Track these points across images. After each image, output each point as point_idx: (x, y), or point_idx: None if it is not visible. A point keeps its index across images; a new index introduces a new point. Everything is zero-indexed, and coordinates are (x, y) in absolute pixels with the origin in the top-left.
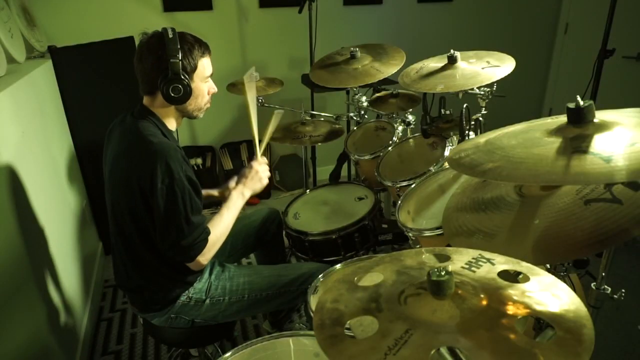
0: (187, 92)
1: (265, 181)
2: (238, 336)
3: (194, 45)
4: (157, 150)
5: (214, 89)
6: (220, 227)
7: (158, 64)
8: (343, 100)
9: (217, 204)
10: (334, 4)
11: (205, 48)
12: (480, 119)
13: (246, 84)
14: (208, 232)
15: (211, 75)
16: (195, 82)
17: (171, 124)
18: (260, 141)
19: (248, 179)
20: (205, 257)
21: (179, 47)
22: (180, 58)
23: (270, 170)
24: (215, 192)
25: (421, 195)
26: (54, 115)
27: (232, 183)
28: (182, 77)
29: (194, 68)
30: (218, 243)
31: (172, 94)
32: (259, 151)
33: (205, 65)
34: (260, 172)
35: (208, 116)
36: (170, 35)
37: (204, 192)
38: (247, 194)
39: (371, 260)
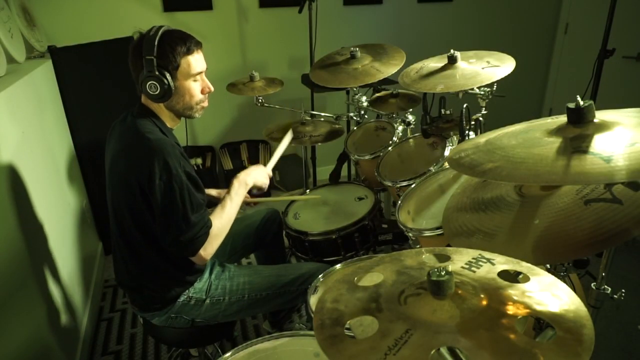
0: (165, 90)
1: (267, 182)
2: (238, 336)
3: (177, 42)
4: (154, 147)
5: (209, 87)
6: (223, 217)
7: (139, 62)
8: (343, 100)
9: (215, 204)
10: (334, 4)
11: (191, 44)
12: (480, 119)
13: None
14: (209, 226)
15: (200, 73)
16: (179, 80)
17: (168, 122)
18: (273, 157)
19: (251, 169)
20: (207, 250)
21: (155, 44)
22: (155, 55)
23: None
24: (213, 192)
25: (421, 195)
26: (54, 115)
27: None
28: (157, 74)
29: (176, 66)
30: (221, 235)
31: (149, 92)
32: (269, 165)
33: (190, 63)
34: (264, 170)
35: (208, 116)
36: (151, 33)
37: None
38: (250, 181)
39: (371, 260)
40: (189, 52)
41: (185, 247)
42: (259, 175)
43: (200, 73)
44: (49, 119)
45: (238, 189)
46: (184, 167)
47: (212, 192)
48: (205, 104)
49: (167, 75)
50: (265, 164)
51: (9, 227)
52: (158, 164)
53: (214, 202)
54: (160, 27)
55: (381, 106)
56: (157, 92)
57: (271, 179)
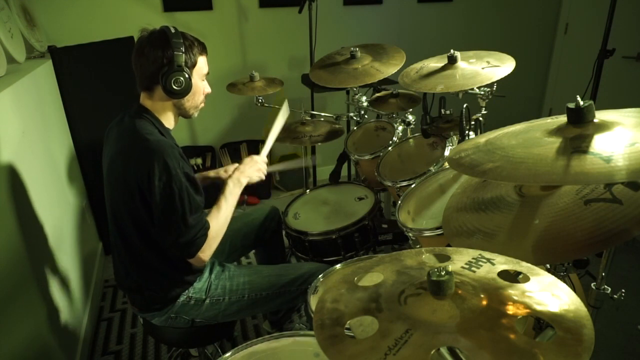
0: (188, 86)
1: (262, 175)
2: (238, 336)
3: (194, 42)
4: (154, 148)
5: (208, 89)
6: (219, 219)
7: (161, 57)
8: (343, 100)
9: (215, 185)
10: (334, 4)
11: (203, 47)
12: (480, 119)
13: (281, 113)
14: (207, 227)
15: (207, 75)
16: (195, 78)
17: (168, 122)
18: (265, 142)
19: (245, 165)
20: (205, 252)
21: (182, 41)
22: (183, 52)
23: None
24: (211, 174)
25: (421, 195)
26: (54, 115)
27: (229, 167)
28: (184, 70)
29: (194, 64)
30: (218, 236)
31: (174, 87)
32: (263, 152)
33: (203, 64)
34: (258, 161)
35: (208, 116)
36: (173, 31)
37: (201, 175)
38: (244, 180)
39: (371, 260)
40: (202, 53)
41: (184, 249)
42: (252, 171)
43: (207, 74)
44: (49, 118)
45: (233, 188)
46: (183, 168)
47: (210, 173)
48: (203, 104)
49: (189, 71)
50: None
51: (8, 227)
52: (158, 165)
53: (215, 183)
54: (173, 27)
55: (381, 106)
56: (181, 87)
57: (271, 179)
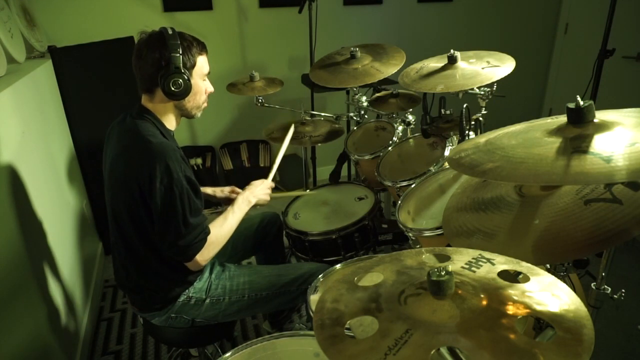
0: (188, 87)
1: (268, 198)
2: (238, 336)
3: (192, 42)
4: (156, 151)
5: (211, 88)
6: (223, 228)
7: (159, 59)
8: (343, 100)
9: (214, 204)
10: (334, 4)
11: (202, 46)
12: (480, 119)
13: (290, 133)
14: (207, 232)
15: (208, 74)
16: (195, 78)
17: (170, 123)
18: (272, 167)
19: (257, 187)
20: (204, 257)
21: (179, 42)
22: (180, 53)
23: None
24: (208, 190)
25: (421, 195)
26: (54, 115)
27: (225, 188)
28: (183, 71)
29: (193, 64)
30: (218, 244)
31: (173, 89)
32: (271, 175)
33: (203, 63)
34: (267, 186)
35: (208, 116)
36: (170, 32)
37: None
38: (253, 200)
39: (371, 260)
40: (201, 52)
41: (182, 252)
42: (261, 193)
43: (208, 73)
44: (49, 119)
45: (241, 204)
46: (184, 171)
47: (207, 190)
48: (206, 104)
49: (187, 72)
50: (266, 164)
51: (9, 228)
52: (159, 167)
53: (209, 201)
54: (171, 28)
55: (381, 106)
56: (180, 89)
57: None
